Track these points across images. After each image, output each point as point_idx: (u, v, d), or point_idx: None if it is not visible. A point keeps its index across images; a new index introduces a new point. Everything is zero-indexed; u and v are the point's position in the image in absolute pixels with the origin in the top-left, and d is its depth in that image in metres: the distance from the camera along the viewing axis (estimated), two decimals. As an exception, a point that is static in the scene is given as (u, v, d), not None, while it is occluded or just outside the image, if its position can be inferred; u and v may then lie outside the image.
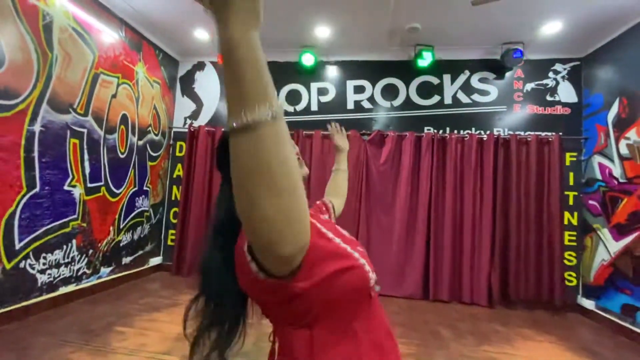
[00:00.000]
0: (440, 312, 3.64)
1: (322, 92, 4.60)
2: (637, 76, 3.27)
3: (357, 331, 0.68)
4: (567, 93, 4.13)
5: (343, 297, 0.66)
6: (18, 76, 2.68)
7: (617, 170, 3.48)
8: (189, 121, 4.86)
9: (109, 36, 3.60)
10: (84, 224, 3.39)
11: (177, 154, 4.85)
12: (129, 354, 2.36)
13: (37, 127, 2.86)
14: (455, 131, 4.24)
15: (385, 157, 4.27)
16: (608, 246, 3.53)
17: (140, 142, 4.23)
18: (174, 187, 4.81)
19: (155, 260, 4.62)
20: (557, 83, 4.14)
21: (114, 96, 3.72)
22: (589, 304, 3.71)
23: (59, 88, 3.04)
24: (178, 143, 4.85)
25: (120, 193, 3.90)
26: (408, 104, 4.41)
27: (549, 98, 4.15)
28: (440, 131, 4.27)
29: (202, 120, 4.82)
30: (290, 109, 4.65)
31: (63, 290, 3.18)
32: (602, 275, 3.59)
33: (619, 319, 3.29)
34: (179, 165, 4.80)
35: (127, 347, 2.45)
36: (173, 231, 4.70)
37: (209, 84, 4.87)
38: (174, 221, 4.71)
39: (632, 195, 3.26)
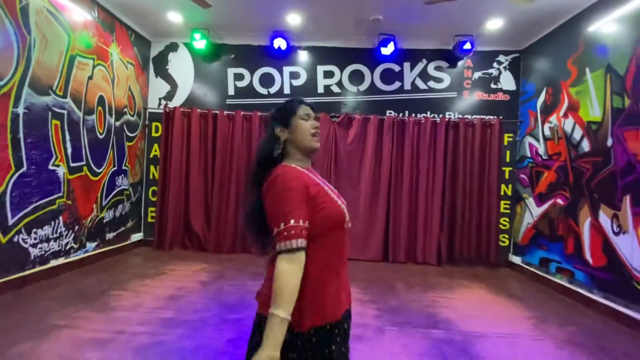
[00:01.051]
0: (397, 271, 4.27)
1: (294, 75, 4.90)
2: (560, 69, 3.89)
3: (320, 257, 0.99)
4: (507, 81, 4.74)
5: (327, 225, 1.00)
6: (0, 60, 2.78)
7: (541, 149, 4.18)
8: (163, 102, 4.99)
9: (81, 17, 3.65)
10: (69, 202, 3.58)
11: (153, 134, 5.00)
12: (129, 310, 2.72)
13: (20, 109, 2.98)
14: (413, 114, 4.76)
15: (352, 138, 4.72)
16: (532, 212, 4.28)
17: (118, 123, 4.36)
18: (152, 167, 4.99)
19: (137, 236, 4.86)
20: (500, 72, 4.74)
21: (90, 78, 3.82)
22: (517, 260, 4.50)
23: (39, 71, 3.14)
24: (153, 124, 4.99)
25: (101, 172, 4.08)
26: (372, 89, 4.84)
27: (492, 86, 4.76)
28: (400, 114, 4.76)
29: (177, 101, 4.97)
30: (264, 91, 4.92)
31: (54, 263, 3.41)
32: (527, 235, 4.36)
33: (538, 270, 4.08)
34: (156, 146, 4.97)
35: (125, 306, 2.80)
36: (153, 209, 4.93)
37: (183, 66, 4.99)
38: (153, 199, 4.93)
39: (550, 169, 3.97)
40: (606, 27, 3.28)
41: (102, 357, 2.04)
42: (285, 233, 0.93)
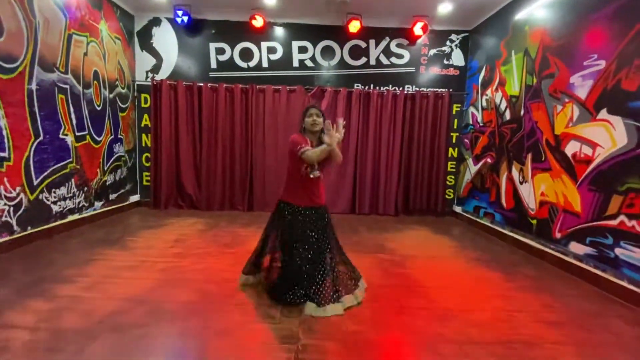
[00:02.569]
0: (362, 220, 5.18)
1: (271, 50, 5.40)
2: (495, 49, 4.65)
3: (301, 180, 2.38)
4: (458, 58, 5.47)
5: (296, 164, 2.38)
6: (14, 42, 3.20)
7: (479, 117, 5.04)
8: (150, 75, 5.40)
9: (74, -3, 3.98)
10: (78, 166, 4.14)
11: (143, 105, 5.45)
12: (145, 249, 3.45)
13: (33, 86, 3.45)
14: (377, 88, 5.45)
15: (324, 108, 5.38)
16: (471, 170, 5.23)
17: (111, 95, 4.80)
18: (143, 135, 5.50)
19: (135, 198, 5.48)
20: (452, 50, 5.45)
21: (85, 54, 4.22)
22: (458, 209, 5.51)
23: (44, 50, 3.56)
24: (142, 95, 5.43)
25: (101, 140, 4.59)
26: (342, 63, 5.45)
27: (445, 62, 5.48)
28: (366, 87, 5.44)
29: (163, 74, 5.39)
30: (244, 64, 5.42)
31: (71, 217, 4.04)
32: (466, 189, 5.34)
33: (472, 215, 5.10)
34: (146, 116, 5.45)
35: (141, 246, 3.53)
36: (147, 173, 5.51)
37: (167, 40, 5.36)
38: (147, 164, 5.50)
39: (484, 134, 4.86)
40: (529, 15, 4.02)
41: (135, 275, 2.80)
42: (301, 150, 2.26)
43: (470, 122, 5.32)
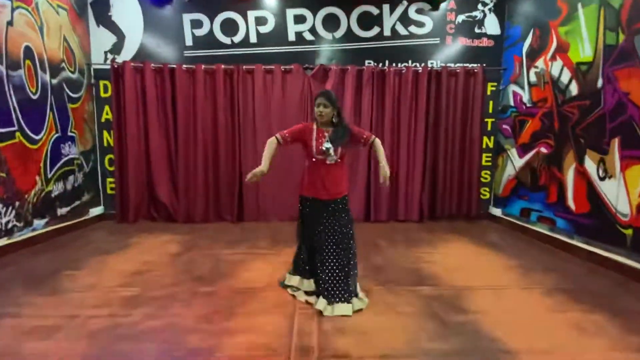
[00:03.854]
0: (380, 231, 4.14)
1: (260, 21, 4.33)
2: (549, 7, 3.61)
3: (309, 169, 2.23)
4: (492, 25, 4.42)
5: (305, 152, 2.24)
6: None
7: (525, 97, 4.00)
8: (110, 56, 4.32)
9: (-15, -58, 2.89)
10: (3, 174, 3.06)
11: (102, 94, 4.37)
12: (84, 291, 2.40)
13: None
14: (394, 64, 4.39)
15: (328, 91, 4.32)
16: (514, 163, 4.19)
17: (55, 81, 3.72)
18: (105, 132, 4.42)
19: (97, 210, 4.40)
20: (485, 15, 4.40)
21: (9, 23, 3.13)
22: (497, 211, 4.49)
23: None
24: (102, 82, 4.35)
25: (41, 139, 3.51)
26: (349, 36, 4.39)
27: (477, 30, 4.42)
28: (380, 64, 4.38)
29: (126, 54, 4.31)
30: (227, 40, 4.35)
31: (-7, 244, 2.97)
32: (508, 187, 4.31)
33: (518, 220, 4.07)
34: (107, 108, 4.37)
35: (80, 286, 2.47)
36: (111, 179, 4.44)
37: (129, 12, 4.28)
38: (111, 168, 4.42)
39: (535, 117, 3.82)
40: (603, -47, 2.98)
41: (47, 348, 1.74)
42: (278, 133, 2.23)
43: (511, 103, 4.27)
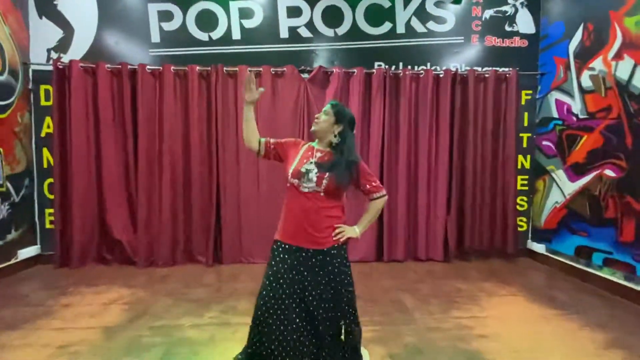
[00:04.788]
0: (398, 274, 3.23)
1: (245, 14, 3.51)
2: (606, -4, 2.88)
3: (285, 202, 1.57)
4: (525, 23, 3.70)
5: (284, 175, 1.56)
6: None
7: (576, 106, 3.22)
8: (55, 55, 3.42)
9: None
10: None
11: (43, 102, 3.44)
12: None
13: None
14: (409, 67, 3.59)
15: (330, 99, 3.47)
16: (562, 188, 3.37)
17: (-34, 82, 2.78)
18: (45, 150, 3.46)
19: (29, 252, 3.37)
20: (516, 10, 3.68)
21: None
22: (538, 247, 3.62)
23: None
24: (42, 87, 3.42)
25: (-64, 160, 2.54)
26: (355, 32, 3.59)
27: (507, 28, 3.69)
28: (393, 67, 3.58)
29: (75, 53, 3.42)
30: (204, 36, 3.50)
31: None
32: (554, 218, 3.47)
33: (572, 261, 3.21)
34: (48, 119, 3.42)
35: None
36: (51, 210, 3.44)
37: (80, 1, 3.41)
38: (51, 196, 3.43)
39: (592, 131, 3.03)
40: None
41: None
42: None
43: (554, 114, 3.49)
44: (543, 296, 2.73)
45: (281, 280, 1.46)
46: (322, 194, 1.47)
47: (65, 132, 3.31)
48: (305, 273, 1.48)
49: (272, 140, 1.63)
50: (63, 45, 3.43)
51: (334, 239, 1.51)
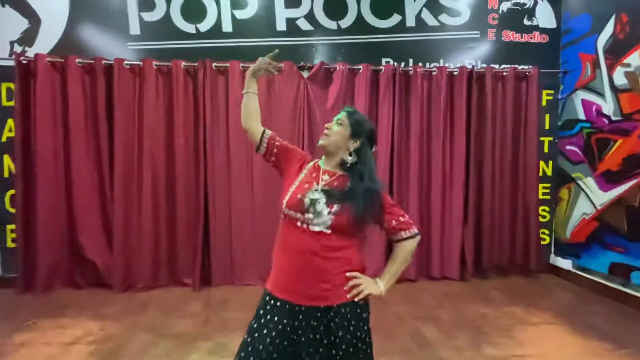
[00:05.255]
0: (412, 298, 2.85)
1: (237, 3, 3.13)
2: (642, -16, 2.57)
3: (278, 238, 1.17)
4: (545, 17, 3.38)
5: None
6: None
7: (608, 107, 2.89)
8: (18, 48, 2.98)
9: None
10: None
11: (5, 103, 3.00)
12: None
13: None
14: (420, 63, 3.24)
15: (333, 99, 3.11)
16: (592, 198, 3.03)
17: None
18: (6, 158, 3.01)
19: (-15, 274, 2.92)
20: (536, 3, 3.36)
21: None
22: (564, 263, 3.28)
23: None
24: (4, 85, 2.99)
25: None
26: (360, 25, 3.23)
27: (526, 22, 3.37)
28: (402, 64, 3.22)
29: (42, 46, 2.99)
30: (190, 28, 3.10)
31: None
32: (583, 231, 3.13)
33: (606, 279, 2.86)
34: (10, 122, 2.98)
35: None
36: (12, 226, 2.98)
37: (48, -13, 3.00)
38: (12, 210, 2.98)
39: (629, 135, 2.70)
40: None
41: None
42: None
43: (581, 116, 3.17)
44: (583, 325, 2.37)
45: (269, 347, 1.04)
46: (329, 231, 1.08)
47: (30, 136, 2.87)
48: (304, 339, 1.06)
49: (278, 138, 1.25)
50: (28, 37, 3.00)
51: (349, 296, 1.08)
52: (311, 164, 1.21)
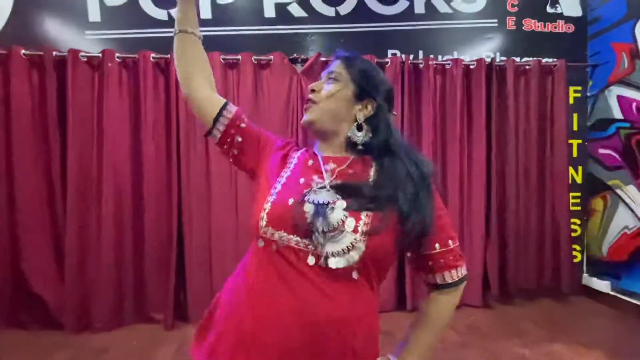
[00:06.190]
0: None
1: (217, -14, 2.67)
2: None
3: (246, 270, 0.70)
4: (570, 4, 2.99)
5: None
6: None
7: (653, 103, 2.49)
8: (-49, 38, 2.47)
9: None
10: None
11: None
12: None
13: None
14: (432, 55, 2.81)
15: (331, 97, 2.64)
16: (635, 209, 2.60)
17: None
18: None
19: None
20: (559, -12, 2.97)
21: None
22: (602, 285, 2.83)
23: None
24: None
25: None
26: (362, 12, 2.79)
27: (549, 9, 2.97)
28: (412, 56, 2.78)
29: (-19, 35, 2.48)
30: (161, 14, 2.62)
31: None
32: (623, 247, 2.69)
33: (656, 306, 2.42)
34: (-60, 126, 2.44)
35: None
36: (-59, 254, 2.43)
37: (-12, -36, 2.50)
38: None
39: (683, 135, 2.29)
40: None
41: None
42: None
43: (617, 115, 2.76)
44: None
45: None
46: (355, 273, 0.61)
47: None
48: None
49: (244, 117, 0.79)
50: (-37, 24, 2.49)
51: None
52: (299, 152, 0.78)
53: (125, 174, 2.48)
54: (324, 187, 0.64)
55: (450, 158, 2.77)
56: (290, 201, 0.64)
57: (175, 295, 2.50)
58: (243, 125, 0.77)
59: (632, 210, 2.63)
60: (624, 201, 2.70)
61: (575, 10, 3.00)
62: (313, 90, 0.72)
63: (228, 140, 0.77)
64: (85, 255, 2.42)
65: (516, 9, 2.94)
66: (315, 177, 0.67)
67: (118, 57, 2.47)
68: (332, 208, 0.60)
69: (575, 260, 3.00)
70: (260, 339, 0.61)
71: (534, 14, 2.95)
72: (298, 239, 0.61)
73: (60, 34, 2.55)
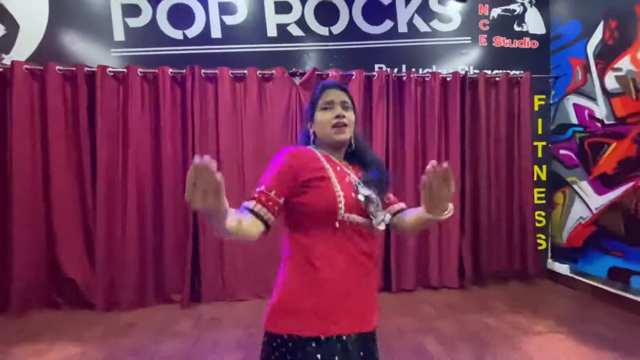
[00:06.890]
0: (411, 309, 2.75)
1: (226, 9, 3.05)
2: (629, -11, 2.61)
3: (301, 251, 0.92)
4: (534, 23, 3.41)
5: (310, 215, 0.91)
6: None
7: (600, 111, 2.90)
8: (-6, 55, 2.84)
9: None
10: None
11: (-22, 112, 2.83)
12: None
13: None
14: (414, 69, 3.21)
15: (326, 106, 3.04)
16: (588, 202, 3.02)
17: None
18: (-21, 170, 2.82)
19: (-46, 297, 2.69)
20: (525, 9, 3.39)
21: None
22: (562, 268, 3.24)
23: None
24: (-23, 94, 2.82)
25: None
26: (352, 31, 3.19)
27: (516, 28, 3.39)
28: (396, 70, 3.19)
29: (20, 53, 2.85)
30: (177, 34, 3.01)
31: None
32: (579, 235, 3.10)
33: (605, 284, 2.83)
34: (-16, 132, 2.81)
35: None
36: (-15, 244, 2.78)
37: (26, -9, 2.87)
38: (-15, 227, 2.78)
39: (623, 139, 2.70)
40: None
41: None
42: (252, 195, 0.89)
43: (574, 120, 3.18)
44: (588, 333, 2.31)
45: None
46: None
47: (5, 147, 2.71)
48: None
49: (262, 190, 0.89)
50: (5, 44, 2.86)
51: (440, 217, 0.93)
52: (321, 161, 0.96)
53: (146, 173, 2.85)
54: (359, 183, 0.97)
55: (429, 158, 3.13)
56: (353, 195, 0.92)
57: (191, 279, 2.87)
58: (271, 194, 0.88)
59: (585, 203, 3.04)
60: (579, 195, 3.11)
61: (539, 28, 3.42)
62: (343, 116, 0.96)
63: (276, 209, 0.88)
64: (112, 244, 2.78)
65: (487, 27, 3.35)
66: (349, 177, 0.96)
67: (140, 72, 2.84)
68: (372, 198, 0.94)
69: (541, 248, 3.41)
70: (337, 286, 0.89)
71: (503, 32, 3.37)
72: (361, 219, 0.93)
73: (89, 52, 2.92)
